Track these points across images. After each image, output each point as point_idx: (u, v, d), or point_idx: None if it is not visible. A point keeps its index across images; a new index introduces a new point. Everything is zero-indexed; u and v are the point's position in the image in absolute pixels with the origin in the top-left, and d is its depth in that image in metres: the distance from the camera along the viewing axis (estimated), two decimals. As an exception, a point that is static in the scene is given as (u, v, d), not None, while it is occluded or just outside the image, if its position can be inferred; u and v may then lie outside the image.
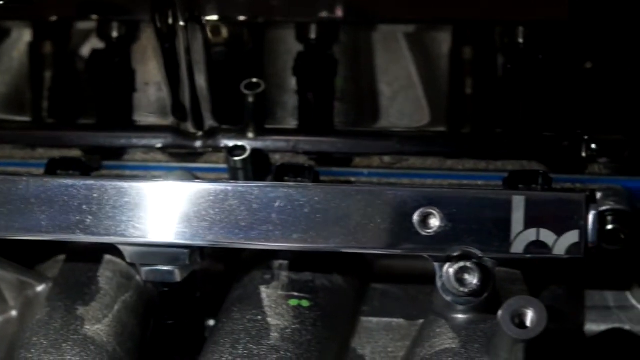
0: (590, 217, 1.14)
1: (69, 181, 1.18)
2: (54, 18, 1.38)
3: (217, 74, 1.34)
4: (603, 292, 1.33)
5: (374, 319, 1.28)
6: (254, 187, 1.16)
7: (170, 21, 1.28)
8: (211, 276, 1.30)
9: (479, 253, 1.13)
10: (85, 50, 1.40)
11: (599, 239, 1.16)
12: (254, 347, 1.18)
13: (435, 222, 1.13)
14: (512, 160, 1.34)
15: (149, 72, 1.38)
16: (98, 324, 1.22)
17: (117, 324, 1.23)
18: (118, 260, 1.27)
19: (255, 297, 1.22)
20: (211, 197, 1.16)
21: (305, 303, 1.22)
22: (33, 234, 1.18)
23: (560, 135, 1.35)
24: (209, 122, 1.38)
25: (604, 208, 1.23)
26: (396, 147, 1.37)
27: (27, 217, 1.17)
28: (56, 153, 1.37)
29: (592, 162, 1.33)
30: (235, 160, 1.27)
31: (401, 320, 1.27)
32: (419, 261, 1.15)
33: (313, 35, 1.35)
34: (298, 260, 1.25)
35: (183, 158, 1.38)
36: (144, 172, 1.36)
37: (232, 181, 1.28)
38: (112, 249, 1.21)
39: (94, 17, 1.36)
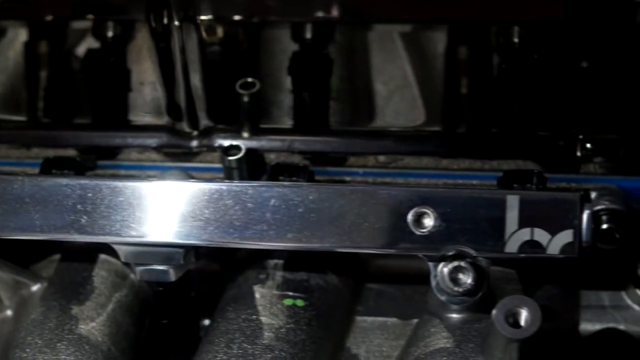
0: (585, 216, 1.14)
1: (64, 180, 1.18)
2: (49, 18, 1.38)
3: (212, 73, 1.34)
4: (598, 292, 1.33)
5: (369, 319, 1.28)
6: (248, 187, 1.16)
7: (165, 21, 1.28)
8: (206, 276, 1.30)
9: (473, 252, 1.13)
10: (80, 50, 1.40)
11: (593, 238, 1.16)
12: (249, 346, 1.17)
13: (429, 221, 1.13)
14: (507, 159, 1.34)
15: (144, 72, 1.38)
16: (93, 323, 1.22)
17: (112, 323, 1.23)
18: (113, 260, 1.26)
19: (250, 296, 1.22)
20: (206, 197, 1.16)
21: (299, 302, 1.22)
22: (28, 234, 1.18)
23: (555, 134, 1.35)
24: (204, 121, 1.38)
25: (598, 207, 1.23)
26: (391, 147, 1.37)
27: (22, 216, 1.17)
28: (51, 153, 1.37)
29: (587, 161, 1.33)
30: (230, 160, 1.27)
31: (396, 320, 1.28)
32: (414, 261, 1.15)
33: (308, 35, 1.35)
34: (293, 260, 1.25)
35: (178, 157, 1.38)
36: (139, 171, 1.36)
37: (226, 181, 1.28)
38: (107, 249, 1.21)
39: (89, 16, 1.36)
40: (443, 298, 1.14)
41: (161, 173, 1.33)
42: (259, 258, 1.26)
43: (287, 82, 1.37)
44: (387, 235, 1.14)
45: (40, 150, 1.39)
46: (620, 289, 1.33)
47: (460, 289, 1.13)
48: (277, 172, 1.28)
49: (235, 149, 1.28)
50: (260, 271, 1.25)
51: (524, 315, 1.04)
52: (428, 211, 1.13)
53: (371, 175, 1.34)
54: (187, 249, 1.17)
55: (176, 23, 1.28)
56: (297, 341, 1.19)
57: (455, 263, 1.13)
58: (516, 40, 1.32)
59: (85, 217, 1.17)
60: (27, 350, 1.19)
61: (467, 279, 1.13)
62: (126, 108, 1.41)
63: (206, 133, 1.38)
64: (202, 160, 1.38)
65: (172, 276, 1.18)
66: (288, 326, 1.20)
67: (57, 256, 1.30)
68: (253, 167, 1.30)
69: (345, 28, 1.36)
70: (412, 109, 1.38)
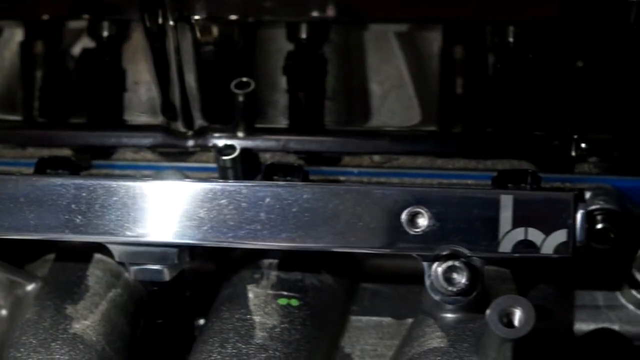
0: (579, 216, 1.14)
1: (58, 180, 1.18)
2: (44, 17, 1.38)
3: (207, 73, 1.34)
4: (593, 292, 1.33)
5: (364, 318, 1.28)
6: (242, 187, 1.16)
7: (160, 20, 1.28)
8: (201, 275, 1.30)
9: (467, 252, 1.13)
10: (76, 50, 1.40)
11: (588, 238, 1.16)
12: (243, 346, 1.17)
13: (423, 221, 1.13)
14: (502, 159, 1.34)
15: (139, 72, 1.38)
16: (87, 322, 1.22)
17: (107, 323, 1.23)
18: (108, 259, 1.26)
19: (244, 296, 1.22)
20: (200, 196, 1.16)
21: (294, 302, 1.22)
22: (22, 233, 1.18)
23: (550, 134, 1.35)
24: (199, 121, 1.38)
25: (593, 207, 1.23)
26: (386, 147, 1.37)
27: (17, 216, 1.17)
28: (46, 152, 1.37)
29: (582, 161, 1.34)
30: (224, 160, 1.28)
31: (390, 320, 1.28)
32: (409, 260, 1.15)
33: (303, 35, 1.36)
34: (287, 260, 1.25)
35: (173, 157, 1.39)
36: (134, 171, 1.36)
37: (221, 180, 1.28)
38: (102, 248, 1.21)
39: (85, 16, 1.36)
40: (437, 298, 1.14)
41: (156, 173, 1.33)
42: (253, 258, 1.26)
43: (282, 81, 1.37)
44: (381, 235, 1.14)
45: (35, 149, 1.39)
46: (614, 288, 1.33)
47: (454, 289, 1.13)
48: (272, 172, 1.28)
49: (230, 148, 1.28)
50: (255, 271, 1.25)
51: (517, 315, 1.04)
52: (422, 211, 1.13)
53: (366, 175, 1.34)
54: (181, 248, 1.17)
55: (171, 23, 1.28)
56: (291, 341, 1.19)
57: (450, 263, 1.13)
58: (511, 40, 1.32)
59: (79, 216, 1.17)
60: (22, 349, 1.19)
61: (461, 278, 1.13)
62: (121, 108, 1.41)
63: (201, 133, 1.38)
64: (197, 160, 1.38)
65: (167, 276, 1.18)
66: (282, 326, 1.20)
67: (51, 256, 1.30)
68: (248, 166, 1.30)
69: (340, 28, 1.36)
70: (407, 108, 1.38)
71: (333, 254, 1.19)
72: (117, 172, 1.37)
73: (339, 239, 1.14)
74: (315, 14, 1.31)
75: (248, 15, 1.32)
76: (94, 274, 1.26)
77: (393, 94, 1.38)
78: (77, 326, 1.21)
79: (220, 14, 1.31)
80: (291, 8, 1.31)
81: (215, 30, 1.33)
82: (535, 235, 1.12)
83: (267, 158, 1.35)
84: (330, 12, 1.30)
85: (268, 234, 1.15)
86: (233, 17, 1.32)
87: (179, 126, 1.38)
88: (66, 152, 1.38)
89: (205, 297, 1.27)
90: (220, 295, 1.26)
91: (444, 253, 1.13)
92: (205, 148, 1.38)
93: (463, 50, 1.36)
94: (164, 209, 1.16)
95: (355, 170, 1.35)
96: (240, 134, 1.37)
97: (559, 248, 1.12)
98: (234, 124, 1.37)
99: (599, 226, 1.22)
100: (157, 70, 1.33)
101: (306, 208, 1.14)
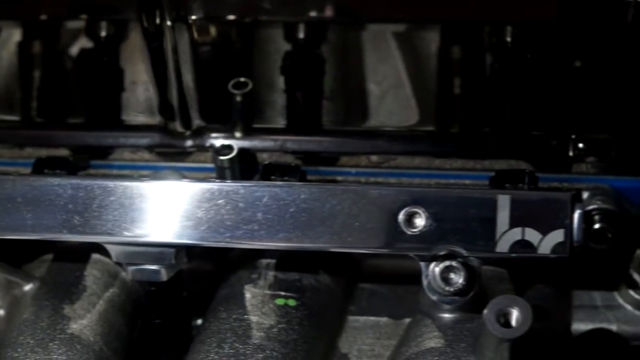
0: (576, 216, 1.14)
1: (56, 180, 1.18)
2: (42, 17, 1.38)
3: (204, 73, 1.34)
4: (591, 292, 1.34)
5: (361, 318, 1.29)
6: (240, 187, 1.16)
7: (158, 21, 1.28)
8: (198, 275, 1.30)
9: (464, 252, 1.13)
10: (73, 50, 1.40)
11: (585, 238, 1.15)
12: (240, 346, 1.17)
13: (420, 221, 1.13)
14: (500, 159, 1.34)
15: (137, 72, 1.38)
16: (85, 323, 1.22)
17: (104, 323, 1.23)
18: (105, 260, 1.26)
19: (242, 296, 1.22)
20: (198, 197, 1.16)
21: (291, 302, 1.22)
22: (20, 234, 1.18)
23: (548, 134, 1.35)
24: (197, 121, 1.38)
25: (591, 207, 1.23)
26: (384, 147, 1.37)
27: (14, 216, 1.17)
28: (44, 152, 1.37)
29: (579, 161, 1.34)
30: (222, 160, 1.27)
31: (388, 320, 1.28)
32: (406, 261, 1.15)
33: (301, 35, 1.35)
34: (285, 260, 1.25)
35: (171, 157, 1.38)
36: (132, 171, 1.36)
37: (219, 180, 1.28)
38: (100, 248, 1.21)
39: (82, 16, 1.36)
40: (434, 298, 1.14)
41: (154, 173, 1.33)
42: (251, 258, 1.26)
43: (280, 81, 1.37)
44: (378, 235, 1.14)
45: (33, 149, 1.39)
46: (612, 288, 1.33)
47: (452, 289, 1.13)
48: (269, 172, 1.28)
49: (228, 148, 1.28)
50: (252, 271, 1.25)
51: (515, 315, 1.04)
52: (419, 211, 1.13)
53: (364, 175, 1.34)
54: (179, 248, 1.17)
55: (168, 23, 1.28)
56: (288, 341, 1.19)
57: (447, 263, 1.13)
58: (509, 39, 1.32)
59: (77, 216, 1.17)
60: (19, 349, 1.19)
61: (458, 278, 1.13)
62: (119, 108, 1.41)
63: (199, 133, 1.38)
64: (194, 160, 1.38)
65: (164, 276, 1.18)
66: (280, 326, 1.20)
67: (49, 256, 1.30)
68: (245, 166, 1.30)
69: (338, 28, 1.36)
70: (405, 108, 1.38)
71: (331, 254, 1.19)
72: (114, 172, 1.37)
73: (337, 239, 1.14)
74: (312, 14, 1.31)
75: (245, 15, 1.32)
76: (92, 274, 1.26)
77: (391, 94, 1.38)
78: (75, 326, 1.21)
79: (217, 14, 1.31)
80: (289, 8, 1.31)
81: (212, 30, 1.33)
82: (532, 235, 1.12)
83: (264, 158, 1.35)
84: (328, 12, 1.30)
85: (265, 234, 1.15)
86: (230, 17, 1.32)
87: (177, 126, 1.38)
88: (64, 152, 1.38)
89: (202, 297, 1.27)
90: (217, 295, 1.26)
91: (441, 253, 1.13)
92: (203, 148, 1.37)
93: (461, 50, 1.36)
94: (161, 209, 1.16)
95: (353, 170, 1.35)
96: (237, 134, 1.37)
97: (556, 248, 1.12)
98: (232, 124, 1.37)
99: (597, 226, 1.22)
100: (155, 70, 1.33)
101: (303, 208, 1.14)
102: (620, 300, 1.33)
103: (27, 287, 1.26)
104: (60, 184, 1.17)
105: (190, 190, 1.16)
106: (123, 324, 1.26)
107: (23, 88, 1.43)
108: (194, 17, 1.29)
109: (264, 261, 1.26)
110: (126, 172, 1.36)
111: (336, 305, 1.28)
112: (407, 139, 1.38)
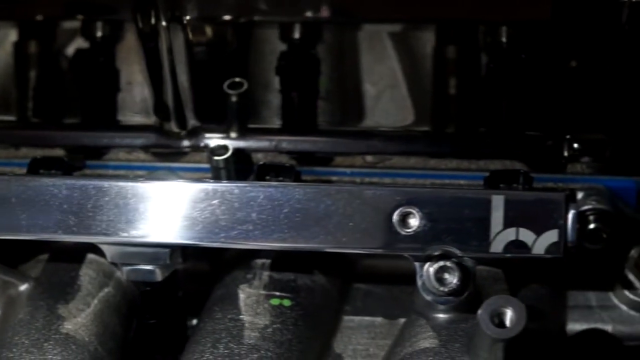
0: (570, 216, 1.14)
1: (51, 181, 1.18)
2: (38, 18, 1.38)
3: (199, 73, 1.34)
4: (585, 292, 1.33)
5: (356, 318, 1.29)
6: (235, 187, 1.16)
7: (153, 21, 1.28)
8: (193, 275, 1.30)
9: (458, 252, 1.13)
10: (69, 50, 1.40)
11: (579, 238, 1.16)
12: (235, 346, 1.17)
13: (414, 221, 1.13)
14: (495, 159, 1.34)
15: (132, 72, 1.38)
16: (80, 323, 1.22)
17: (99, 323, 1.23)
18: (100, 260, 1.26)
19: (236, 296, 1.22)
20: (193, 197, 1.16)
21: (286, 302, 1.22)
22: (15, 234, 1.18)
23: (543, 134, 1.35)
24: (192, 121, 1.38)
25: (585, 207, 1.23)
26: (379, 147, 1.37)
27: (9, 216, 1.17)
28: (40, 152, 1.37)
29: (574, 161, 1.34)
30: (217, 160, 1.28)
31: (382, 320, 1.28)
32: (401, 261, 1.15)
33: (297, 35, 1.35)
34: (280, 260, 1.25)
35: (166, 157, 1.38)
36: (127, 171, 1.36)
37: (213, 181, 1.28)
38: (95, 248, 1.21)
39: (78, 17, 1.36)
40: (429, 298, 1.14)
41: (149, 173, 1.33)
42: (246, 258, 1.26)
43: (275, 82, 1.37)
44: (372, 235, 1.14)
45: (28, 150, 1.39)
46: (607, 289, 1.33)
47: (446, 289, 1.13)
48: (264, 172, 1.29)
49: (223, 149, 1.28)
50: (247, 271, 1.25)
51: (509, 315, 1.04)
52: (413, 211, 1.13)
53: (359, 175, 1.34)
54: (174, 248, 1.17)
55: (164, 23, 1.28)
56: (283, 341, 1.19)
57: (441, 263, 1.13)
58: (504, 40, 1.32)
59: (72, 217, 1.17)
60: (14, 350, 1.19)
61: (452, 278, 1.13)
62: (114, 108, 1.41)
63: (194, 133, 1.38)
64: (189, 160, 1.38)
65: (159, 276, 1.18)
66: (275, 326, 1.20)
67: (44, 256, 1.30)
68: (240, 167, 1.30)
69: (333, 28, 1.36)
70: (400, 109, 1.38)
71: (325, 254, 1.19)
72: (110, 172, 1.37)
73: (331, 239, 1.14)
74: (308, 14, 1.31)
75: (241, 15, 1.32)
76: (87, 274, 1.26)
77: (386, 94, 1.38)
78: (70, 326, 1.21)
79: (212, 15, 1.31)
80: (284, 8, 1.31)
81: (207, 31, 1.33)
82: (526, 235, 1.12)
83: (259, 158, 1.35)
84: (324, 12, 1.31)
85: (260, 234, 1.15)
86: (226, 17, 1.32)
87: (172, 126, 1.38)
88: (59, 152, 1.38)
89: (197, 297, 1.27)
90: (212, 295, 1.26)
91: (436, 253, 1.13)
92: (198, 148, 1.38)
93: (456, 50, 1.36)
94: (156, 209, 1.16)
95: (348, 170, 1.35)
96: (233, 134, 1.37)
97: (550, 248, 1.12)
98: (227, 124, 1.37)
99: (592, 226, 1.22)
100: (150, 71, 1.34)
101: (298, 208, 1.14)
102: (615, 301, 1.33)
103: (22, 287, 1.26)
104: (55, 184, 1.17)
105: (185, 190, 1.16)
106: (118, 324, 1.26)
107: (18, 88, 1.43)
108: (189, 18, 1.29)
109: (259, 261, 1.26)
110: (121, 172, 1.36)
111: (331, 305, 1.28)
112: (403, 139, 1.38)
